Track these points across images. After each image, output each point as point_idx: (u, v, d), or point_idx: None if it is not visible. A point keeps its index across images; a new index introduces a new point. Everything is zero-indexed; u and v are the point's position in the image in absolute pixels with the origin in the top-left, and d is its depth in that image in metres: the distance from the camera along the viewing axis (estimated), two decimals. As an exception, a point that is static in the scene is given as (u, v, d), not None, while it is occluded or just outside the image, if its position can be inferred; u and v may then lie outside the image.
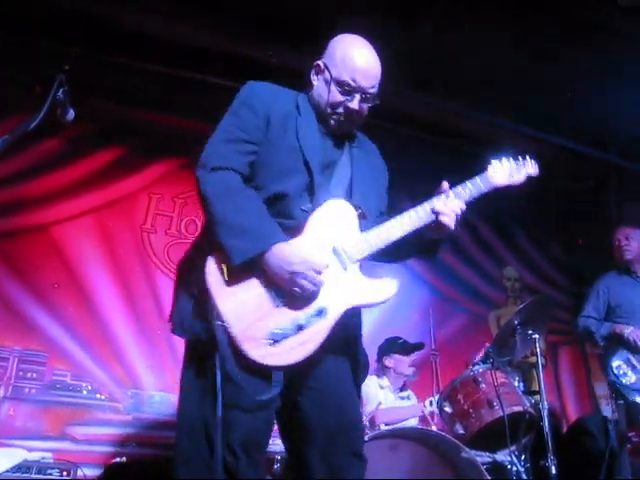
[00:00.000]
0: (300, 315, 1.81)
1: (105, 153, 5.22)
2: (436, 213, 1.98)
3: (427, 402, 3.80)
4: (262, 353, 1.75)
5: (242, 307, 1.80)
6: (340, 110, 2.03)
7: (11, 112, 4.36)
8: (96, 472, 4.03)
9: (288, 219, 1.91)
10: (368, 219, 2.04)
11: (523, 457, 3.60)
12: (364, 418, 3.60)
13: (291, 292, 1.81)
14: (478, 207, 6.09)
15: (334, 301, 1.86)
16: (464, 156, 6.04)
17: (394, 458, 3.19)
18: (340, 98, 2.01)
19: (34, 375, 4.54)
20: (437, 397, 3.72)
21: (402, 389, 4.29)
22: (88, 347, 4.70)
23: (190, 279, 1.90)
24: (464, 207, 2.01)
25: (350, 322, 1.97)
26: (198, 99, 5.10)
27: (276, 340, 1.77)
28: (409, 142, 5.40)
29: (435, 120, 5.38)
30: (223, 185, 1.86)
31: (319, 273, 1.81)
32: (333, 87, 2.01)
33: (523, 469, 3.48)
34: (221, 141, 1.95)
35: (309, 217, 1.93)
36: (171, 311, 1.98)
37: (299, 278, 1.78)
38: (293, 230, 1.90)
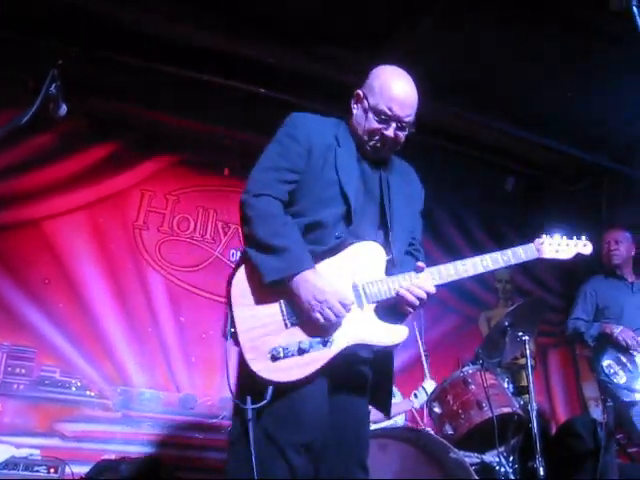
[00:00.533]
0: (306, 339, 1.90)
1: (98, 149, 5.18)
2: (399, 296, 2.00)
3: (412, 396, 3.81)
4: (261, 366, 1.86)
5: (255, 320, 1.92)
6: (377, 138, 2.12)
7: (6, 110, 4.32)
8: (85, 469, 3.99)
9: (322, 245, 2.00)
10: (397, 257, 2.11)
11: (511, 458, 3.61)
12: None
13: (310, 317, 1.89)
14: (471, 209, 6.14)
15: (341, 335, 1.93)
16: (460, 157, 6.10)
17: (383, 458, 3.19)
18: (377, 126, 2.10)
19: (23, 371, 4.51)
20: (422, 388, 3.74)
21: None
22: (78, 343, 4.68)
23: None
24: (433, 291, 2.01)
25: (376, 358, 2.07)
26: (193, 97, 5.09)
27: (277, 357, 1.86)
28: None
29: (433, 120, 5.39)
30: (263, 210, 1.97)
31: (346, 307, 1.90)
32: (370, 115, 2.10)
33: (511, 470, 3.49)
34: (264, 169, 2.06)
35: (342, 248, 2.02)
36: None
37: (326, 307, 1.86)
38: (324, 256, 2.00)
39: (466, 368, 3.56)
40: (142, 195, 5.32)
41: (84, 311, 4.78)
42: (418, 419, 3.77)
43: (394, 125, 2.09)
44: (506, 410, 3.39)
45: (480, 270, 2.07)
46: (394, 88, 2.09)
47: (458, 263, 2.07)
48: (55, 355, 4.63)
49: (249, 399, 1.85)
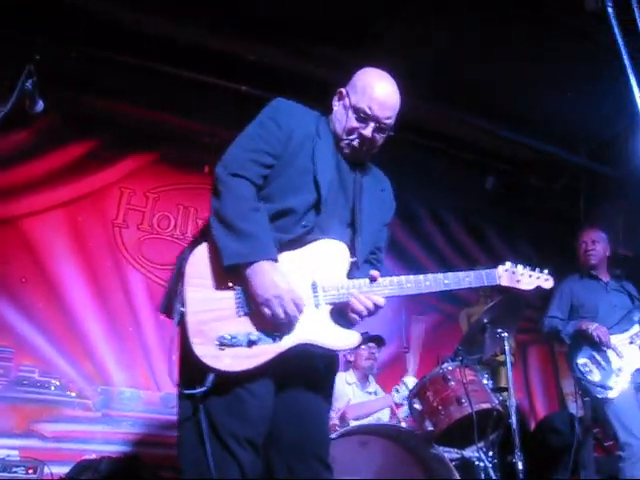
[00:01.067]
0: (255, 331, 1.85)
1: (76, 146, 5.14)
2: (348, 302, 1.96)
3: (393, 390, 3.84)
4: (206, 352, 1.80)
5: (207, 303, 1.86)
6: (354, 136, 2.12)
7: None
8: (64, 470, 3.97)
9: (288, 234, 1.98)
10: (360, 261, 2.09)
11: (491, 453, 3.65)
12: (334, 414, 3.62)
13: (260, 310, 1.85)
14: (451, 207, 6.18)
15: (292, 332, 1.88)
16: (440, 155, 6.13)
17: (364, 454, 3.22)
18: (355, 124, 2.10)
19: (0, 371, 4.45)
20: (403, 383, 3.76)
21: (366, 383, 4.32)
22: (57, 343, 4.63)
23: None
24: (382, 303, 1.96)
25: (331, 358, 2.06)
26: (172, 94, 5.06)
27: (224, 344, 1.81)
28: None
29: (414, 118, 5.41)
30: (236, 191, 1.94)
31: (298, 308, 1.86)
32: (350, 113, 2.11)
33: (491, 465, 3.53)
34: (244, 148, 2.03)
35: (307, 242, 2.00)
36: (167, 289, 2.06)
37: (277, 304, 1.82)
38: (289, 246, 1.97)
39: (446, 365, 3.58)
40: (121, 193, 5.28)
41: (63, 310, 4.74)
42: (399, 416, 3.79)
43: (372, 125, 2.09)
44: (485, 406, 3.42)
45: (441, 288, 2.04)
46: (376, 89, 2.10)
47: (420, 277, 2.03)
48: (34, 355, 4.58)
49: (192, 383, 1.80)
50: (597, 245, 4.29)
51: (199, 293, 1.87)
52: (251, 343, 1.83)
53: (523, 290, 2.19)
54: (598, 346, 3.94)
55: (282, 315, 1.83)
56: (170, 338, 1.87)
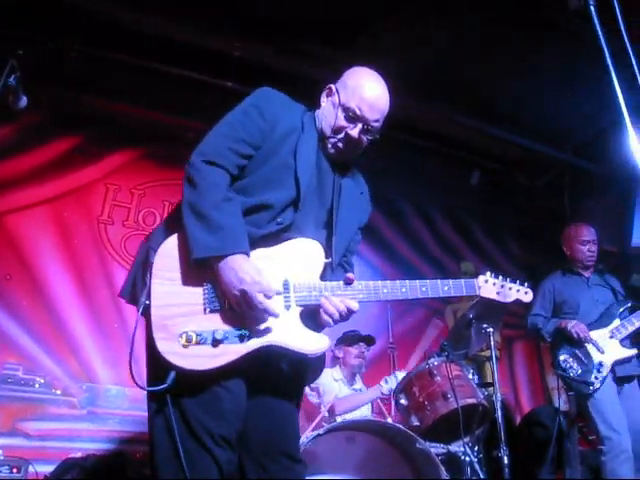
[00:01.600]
0: (221, 330, 1.78)
1: (61, 142, 5.11)
2: (321, 305, 1.90)
3: (382, 381, 3.84)
4: (168, 348, 1.74)
5: (173, 296, 1.80)
6: (341, 135, 2.07)
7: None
8: (49, 468, 3.94)
9: (261, 229, 1.91)
10: (335, 262, 2.04)
11: (476, 448, 3.68)
12: (322, 408, 3.63)
13: (229, 304, 1.80)
14: (436, 202, 6.20)
15: (261, 333, 1.82)
16: (426, 151, 6.16)
17: (351, 450, 3.23)
18: (343, 123, 2.05)
19: (-16, 369, 4.42)
20: (392, 376, 3.77)
21: (353, 381, 4.33)
22: (41, 340, 4.60)
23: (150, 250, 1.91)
24: (356, 308, 1.90)
25: (299, 362, 1.99)
26: (158, 90, 5.04)
27: (188, 341, 1.74)
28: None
29: (400, 115, 5.43)
30: (210, 180, 1.86)
31: (268, 298, 1.78)
32: (339, 112, 2.06)
33: (476, 460, 3.55)
34: (223, 135, 1.96)
35: (282, 239, 1.94)
36: (129, 274, 1.99)
37: (245, 297, 1.75)
38: (261, 242, 1.90)
39: (432, 360, 3.60)
40: (107, 189, 5.25)
41: (48, 307, 4.71)
42: (384, 411, 3.80)
43: (360, 126, 2.05)
44: (471, 401, 3.45)
45: (417, 295, 1.97)
46: (367, 90, 2.06)
47: (397, 283, 1.96)
48: (18, 352, 4.54)
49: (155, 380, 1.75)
50: (596, 246, 4.32)
51: (166, 286, 1.80)
52: (216, 342, 1.75)
53: (502, 302, 2.15)
54: (578, 342, 3.99)
55: (252, 309, 1.76)
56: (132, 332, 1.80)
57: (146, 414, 1.89)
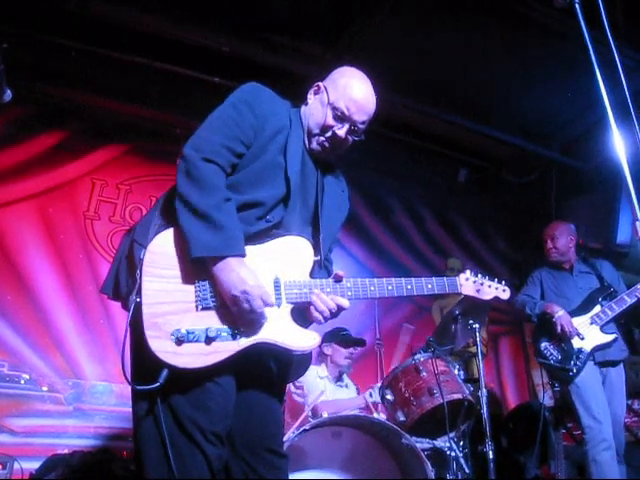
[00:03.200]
0: (214, 327, 1.78)
1: (47, 137, 5.06)
2: (310, 304, 1.93)
3: (367, 394, 3.84)
4: (159, 346, 1.72)
5: (165, 294, 1.78)
6: (328, 134, 2.09)
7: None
8: (35, 465, 3.92)
9: (251, 226, 1.91)
10: (322, 260, 2.06)
11: (462, 443, 3.71)
12: (306, 408, 3.63)
13: (222, 302, 1.80)
14: (424, 200, 6.23)
15: (253, 330, 1.83)
16: (413, 149, 6.17)
17: (337, 445, 3.24)
18: (331, 122, 2.07)
19: (-32, 365, 4.39)
20: (378, 387, 3.78)
21: (339, 379, 4.34)
22: (27, 336, 4.56)
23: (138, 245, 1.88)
24: (347, 306, 1.93)
25: (286, 360, 2.02)
26: (145, 85, 5.01)
27: (180, 339, 1.73)
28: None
29: (387, 112, 5.44)
30: (209, 178, 1.84)
31: (265, 304, 1.80)
32: (327, 110, 2.08)
33: (462, 455, 3.59)
34: (217, 132, 1.94)
35: (272, 237, 1.94)
36: (111, 268, 1.97)
37: (244, 300, 1.76)
38: (252, 240, 1.90)
39: (418, 356, 3.63)
40: (93, 184, 5.21)
41: (33, 303, 4.67)
42: (371, 407, 3.81)
43: (347, 126, 2.08)
44: (456, 396, 3.47)
45: (403, 293, 2.02)
46: (357, 91, 2.08)
47: (383, 281, 2.01)
48: (3, 348, 4.50)
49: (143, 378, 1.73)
50: (557, 242, 4.39)
51: (156, 284, 1.78)
52: (209, 339, 1.75)
53: (482, 299, 2.23)
54: (558, 334, 4.04)
55: (249, 312, 1.77)
56: (125, 330, 1.79)
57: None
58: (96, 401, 4.70)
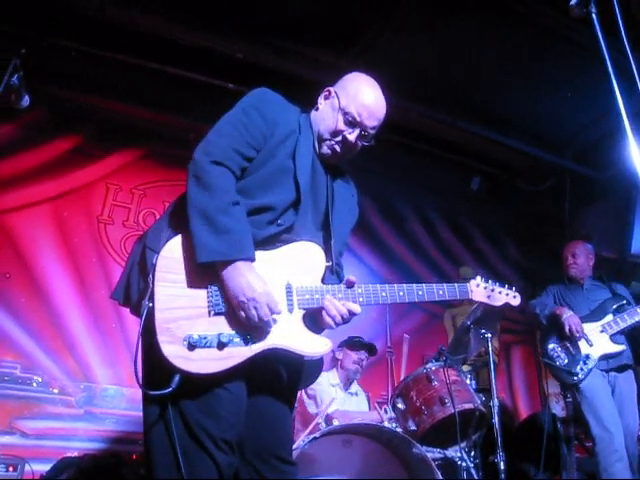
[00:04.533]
0: (226, 333, 1.78)
1: (62, 141, 5.11)
2: (323, 309, 1.92)
3: (382, 411, 3.82)
4: (172, 351, 1.72)
5: (177, 299, 1.78)
6: (338, 139, 2.09)
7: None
8: (46, 467, 3.93)
9: (262, 231, 1.91)
10: (333, 265, 2.06)
11: (473, 453, 3.68)
12: (320, 420, 3.61)
13: (234, 312, 1.79)
14: (437, 208, 6.20)
15: (265, 336, 1.82)
16: (427, 156, 6.16)
17: (347, 453, 3.22)
18: (342, 127, 2.08)
19: (-18, 367, 4.42)
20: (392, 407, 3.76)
21: (349, 386, 4.33)
22: (40, 339, 4.60)
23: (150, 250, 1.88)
24: (358, 311, 1.93)
25: (296, 365, 2.01)
26: (159, 90, 5.04)
27: (192, 344, 1.72)
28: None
29: (401, 119, 5.43)
30: (219, 182, 1.83)
31: (272, 312, 1.80)
32: (338, 115, 2.08)
33: (473, 465, 3.55)
34: (227, 136, 1.93)
35: (283, 242, 1.94)
36: (123, 274, 1.97)
37: (251, 307, 1.75)
38: (263, 244, 1.90)
39: (429, 365, 3.60)
40: (107, 189, 5.25)
41: (46, 306, 4.70)
42: (382, 416, 3.79)
43: (358, 131, 2.08)
44: (468, 406, 3.44)
45: (415, 299, 2.02)
46: (368, 96, 2.10)
47: (394, 286, 2.01)
48: (16, 351, 4.53)
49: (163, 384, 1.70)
50: (578, 259, 4.43)
51: (169, 289, 1.77)
52: (221, 345, 1.75)
53: (492, 305, 2.22)
54: (566, 334, 4.05)
55: (256, 319, 1.76)
56: (137, 335, 1.76)
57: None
58: (107, 405, 4.72)
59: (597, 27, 1.62)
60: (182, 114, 5.27)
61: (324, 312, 1.91)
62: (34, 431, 4.41)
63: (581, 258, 4.42)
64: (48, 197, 4.98)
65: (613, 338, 4.02)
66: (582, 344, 4.02)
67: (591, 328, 4.05)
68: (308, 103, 2.25)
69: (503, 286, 2.26)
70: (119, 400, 4.74)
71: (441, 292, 2.07)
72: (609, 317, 4.07)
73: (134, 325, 4.77)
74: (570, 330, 3.99)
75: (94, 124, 5.23)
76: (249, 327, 1.80)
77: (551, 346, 4.15)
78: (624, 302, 4.13)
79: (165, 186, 5.43)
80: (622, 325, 3.99)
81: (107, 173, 5.28)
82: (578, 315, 4.10)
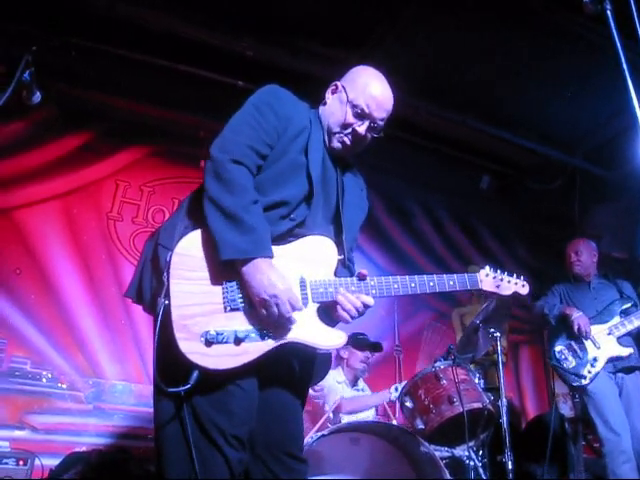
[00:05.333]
0: (243, 328, 1.79)
1: (72, 138, 5.12)
2: (337, 303, 1.94)
3: (392, 388, 3.84)
4: (190, 347, 1.73)
5: (193, 296, 1.79)
6: (348, 131, 2.12)
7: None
8: (55, 462, 3.95)
9: (277, 226, 1.92)
10: (345, 259, 2.07)
11: (481, 452, 3.67)
12: (327, 408, 3.62)
13: (250, 303, 1.81)
14: (446, 207, 6.20)
15: (281, 331, 1.84)
16: (436, 155, 6.15)
17: (355, 451, 3.22)
18: (352, 120, 2.10)
19: (-8, 362, 4.45)
20: (402, 385, 3.76)
21: (355, 383, 4.34)
22: (49, 334, 4.62)
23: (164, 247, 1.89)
24: (371, 303, 1.95)
25: (306, 353, 2.00)
26: (169, 88, 5.05)
27: (210, 341, 1.74)
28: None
29: (410, 117, 5.42)
30: (239, 180, 1.85)
31: (294, 309, 1.82)
32: (347, 108, 2.10)
33: (481, 464, 3.55)
34: (243, 134, 1.94)
35: (296, 236, 1.96)
36: (135, 272, 1.99)
37: (274, 304, 1.77)
38: (277, 239, 1.91)
39: (438, 363, 3.59)
40: (117, 186, 5.27)
41: (56, 302, 4.72)
42: (390, 413, 3.80)
43: (367, 124, 2.11)
44: (476, 405, 3.43)
45: (426, 290, 2.05)
46: (375, 88, 2.12)
47: (406, 278, 2.04)
48: (26, 346, 4.56)
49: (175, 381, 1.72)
50: (581, 256, 4.42)
51: (184, 286, 1.79)
52: (238, 340, 1.76)
53: (502, 295, 2.25)
54: (577, 335, 4.03)
55: (278, 315, 1.78)
56: (154, 332, 1.79)
57: (151, 410, 1.89)
58: (115, 400, 4.74)
59: (612, 24, 1.60)
60: (191, 111, 5.28)
61: (338, 307, 1.92)
62: (44, 426, 4.43)
63: (584, 255, 4.41)
64: (58, 194, 5.00)
65: (620, 340, 4.02)
66: (589, 346, 4.02)
67: (598, 330, 4.05)
68: (318, 101, 2.26)
69: (511, 275, 2.30)
70: (127, 396, 4.76)
71: (452, 282, 2.09)
72: (616, 319, 4.07)
73: (143, 321, 4.81)
74: (579, 330, 3.99)
75: (104, 121, 5.24)
76: (265, 323, 1.81)
77: (558, 348, 4.15)
78: (631, 304, 4.12)
79: (174, 183, 5.44)
80: (629, 328, 4.00)
81: (116, 170, 5.29)
82: (586, 314, 4.10)
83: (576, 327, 4.01)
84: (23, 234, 4.78)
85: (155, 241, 1.94)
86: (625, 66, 1.58)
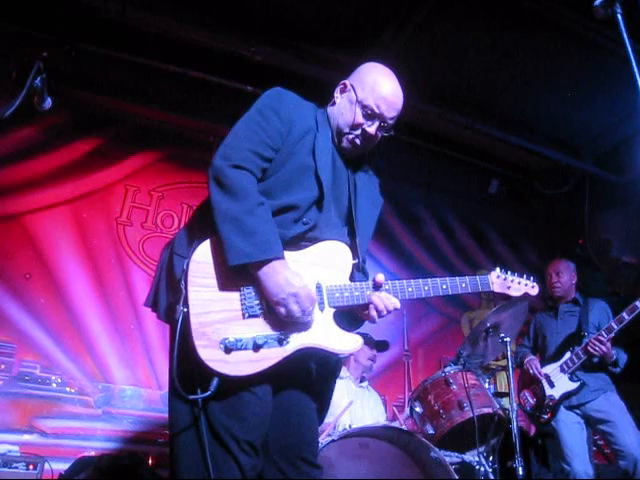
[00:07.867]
0: (261, 334, 1.80)
1: (82, 143, 5.16)
2: (371, 304, 1.97)
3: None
4: (210, 355, 1.73)
5: (211, 304, 1.79)
6: (358, 132, 2.09)
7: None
8: (64, 466, 3.96)
9: (288, 230, 1.91)
10: (359, 262, 2.07)
11: (491, 458, 3.64)
12: (332, 420, 3.59)
13: (273, 310, 1.81)
14: (454, 210, 6.19)
15: (299, 335, 1.85)
16: (445, 159, 6.14)
17: (364, 456, 3.21)
18: (361, 120, 2.07)
19: (2, 367, 4.46)
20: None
21: (361, 380, 4.33)
22: (59, 339, 4.64)
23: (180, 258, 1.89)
24: (398, 305, 1.99)
25: (327, 359, 2.02)
26: (178, 93, 5.08)
27: (229, 348, 1.74)
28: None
29: (419, 122, 5.41)
30: (240, 184, 1.83)
31: (312, 305, 1.83)
32: (357, 108, 2.07)
33: (491, 469, 3.51)
34: (245, 138, 1.93)
35: (310, 242, 1.96)
36: (153, 282, 1.99)
37: (293, 302, 1.78)
38: (290, 243, 1.91)
39: (448, 368, 3.58)
40: (126, 191, 5.30)
41: (66, 307, 4.75)
42: (399, 418, 3.77)
43: (377, 123, 2.08)
44: (486, 410, 3.41)
45: (439, 292, 2.06)
46: (385, 87, 2.08)
47: (419, 281, 2.05)
48: (35, 351, 4.58)
49: (194, 388, 1.73)
50: (561, 277, 4.41)
51: (202, 293, 1.79)
52: (257, 346, 1.77)
53: (512, 296, 2.28)
54: (533, 377, 4.21)
55: (298, 313, 1.79)
56: (174, 341, 1.78)
57: (160, 415, 1.90)
58: (124, 405, 4.75)
59: (622, 29, 1.60)
60: (201, 116, 5.31)
61: (371, 306, 1.94)
62: (53, 430, 4.45)
63: (565, 276, 4.40)
64: (68, 199, 5.03)
65: (571, 376, 4.07)
66: (545, 386, 4.15)
67: (552, 368, 4.17)
68: (326, 105, 2.24)
69: (521, 277, 2.33)
70: (137, 401, 4.77)
71: (464, 285, 2.10)
72: (567, 355, 4.15)
73: (152, 327, 4.83)
74: (528, 371, 4.20)
75: (114, 126, 5.28)
76: (284, 327, 1.82)
77: (522, 393, 4.30)
78: (584, 334, 4.10)
79: (183, 188, 5.47)
80: (578, 362, 4.03)
81: (126, 175, 5.32)
82: (547, 354, 4.27)
83: (530, 371, 4.19)
84: (33, 239, 4.80)
85: (170, 250, 1.95)
86: (635, 70, 1.57)
